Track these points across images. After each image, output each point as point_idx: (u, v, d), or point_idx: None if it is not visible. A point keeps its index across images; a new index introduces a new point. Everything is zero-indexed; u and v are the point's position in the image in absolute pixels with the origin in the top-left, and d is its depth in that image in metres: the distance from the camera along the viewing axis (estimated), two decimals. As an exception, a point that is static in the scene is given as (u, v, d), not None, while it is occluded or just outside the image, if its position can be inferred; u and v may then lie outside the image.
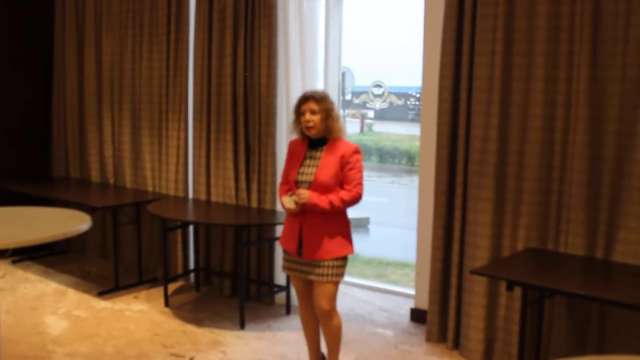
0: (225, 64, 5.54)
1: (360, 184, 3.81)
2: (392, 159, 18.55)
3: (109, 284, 5.87)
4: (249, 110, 5.48)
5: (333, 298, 3.86)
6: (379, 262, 8.58)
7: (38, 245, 5.89)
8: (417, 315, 5.11)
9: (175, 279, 5.89)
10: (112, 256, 6.24)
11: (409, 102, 22.01)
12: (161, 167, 6.14)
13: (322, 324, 3.96)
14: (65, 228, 3.20)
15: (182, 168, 5.93)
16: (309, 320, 4.08)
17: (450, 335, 4.64)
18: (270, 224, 5.28)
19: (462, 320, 4.57)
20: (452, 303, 4.62)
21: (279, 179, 5.29)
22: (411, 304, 5.29)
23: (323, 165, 3.83)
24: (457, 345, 4.63)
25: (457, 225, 4.57)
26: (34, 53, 7.04)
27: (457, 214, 4.56)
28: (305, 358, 4.39)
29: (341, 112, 5.89)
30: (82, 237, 6.86)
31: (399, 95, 21.94)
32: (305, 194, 3.76)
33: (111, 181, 6.66)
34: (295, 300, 5.31)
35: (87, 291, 5.80)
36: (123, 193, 6.27)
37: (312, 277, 3.84)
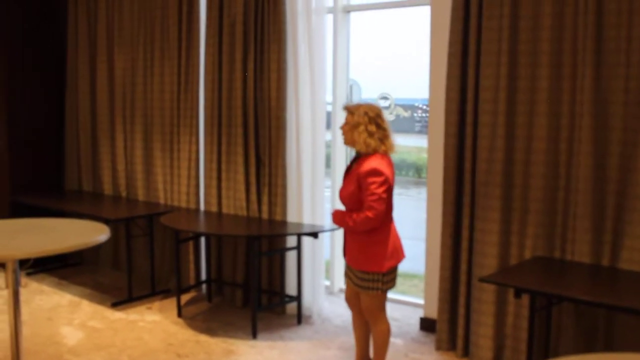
0: (236, 78, 5.64)
1: (371, 207, 3.76)
2: (399, 171, 18.59)
3: (123, 295, 5.96)
4: (259, 123, 5.57)
5: (371, 307, 4.03)
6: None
7: (52, 258, 6.03)
8: (427, 324, 5.17)
9: (187, 289, 5.97)
10: (125, 268, 6.34)
11: (415, 114, 22.07)
12: (173, 180, 6.24)
13: (370, 328, 4.14)
14: (85, 238, 3.29)
15: (193, 180, 6.03)
16: (354, 323, 4.32)
17: (460, 343, 4.70)
18: (281, 235, 5.37)
19: (471, 328, 4.63)
20: (461, 311, 4.68)
21: (289, 190, 5.43)
22: (420, 313, 5.35)
23: (346, 182, 3.96)
24: (466, 353, 4.69)
25: (465, 234, 4.64)
26: (47, 67, 7.17)
27: (465, 222, 4.63)
28: (317, 366, 4.47)
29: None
30: (94, 250, 6.96)
31: (405, 107, 21.99)
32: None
33: (123, 194, 6.76)
34: (305, 310, 5.42)
35: (101, 302, 5.89)
36: (135, 205, 6.37)
37: (351, 284, 4.08)
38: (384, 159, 3.88)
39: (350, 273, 4.07)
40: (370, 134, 3.85)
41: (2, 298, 5.99)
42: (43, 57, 7.13)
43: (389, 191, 3.88)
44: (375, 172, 3.78)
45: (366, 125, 3.85)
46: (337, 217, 3.97)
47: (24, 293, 6.06)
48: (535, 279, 4.01)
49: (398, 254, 4.03)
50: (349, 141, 3.97)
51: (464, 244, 4.65)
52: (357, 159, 3.96)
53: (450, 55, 4.62)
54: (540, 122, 4.26)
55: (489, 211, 4.46)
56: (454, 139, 4.65)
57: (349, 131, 3.91)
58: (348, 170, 4.05)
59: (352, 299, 4.22)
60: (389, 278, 3.98)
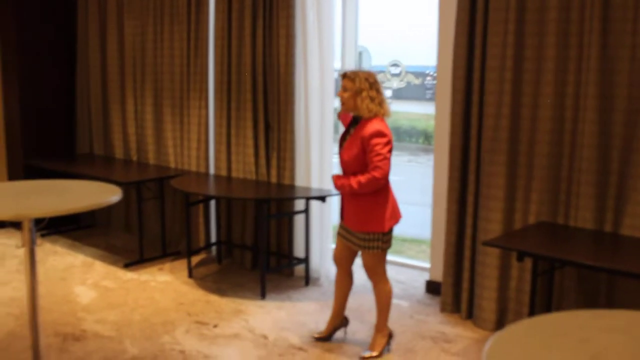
0: (245, 44, 5.69)
1: (377, 167, 3.86)
2: (409, 137, 18.62)
3: (134, 257, 6.09)
4: (268, 89, 5.63)
5: (373, 266, 4.16)
6: (395, 239, 8.72)
7: (65, 220, 6.15)
8: (432, 287, 5.28)
9: (197, 251, 6.10)
10: (136, 230, 6.47)
11: (426, 82, 22.00)
12: (183, 144, 6.32)
13: (373, 289, 4.27)
14: (98, 199, 3.38)
15: (203, 145, 6.11)
16: (338, 282, 4.43)
17: (464, 305, 4.81)
18: (289, 199, 5.46)
19: (475, 292, 4.73)
20: (466, 275, 4.77)
21: (297, 155, 5.50)
22: (425, 276, 5.46)
23: (347, 146, 4.04)
24: (470, 315, 4.79)
25: (470, 199, 4.71)
26: (58, 34, 7.22)
27: (471, 188, 4.70)
28: (324, 327, 4.59)
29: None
30: (106, 212, 7.10)
31: (416, 74, 21.90)
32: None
33: (134, 158, 6.86)
34: (313, 272, 5.53)
35: (113, 263, 6.02)
36: (146, 169, 6.47)
37: (349, 245, 4.17)
38: (383, 122, 3.99)
39: (348, 235, 4.17)
40: (372, 99, 3.96)
41: (17, 258, 6.14)
42: (53, 23, 7.17)
43: (391, 152, 3.99)
44: (380, 134, 3.89)
45: (368, 91, 3.96)
46: (339, 182, 4.03)
47: (38, 253, 6.20)
48: (538, 244, 4.09)
49: (396, 214, 4.16)
50: (350, 108, 4.04)
51: (469, 210, 4.72)
52: (356, 124, 4.05)
53: (458, 21, 4.64)
54: (546, 90, 4.30)
55: (494, 177, 4.53)
56: (461, 105, 4.70)
57: (351, 98, 4.00)
58: (345, 136, 4.14)
59: (342, 259, 4.35)
60: (388, 237, 4.12)
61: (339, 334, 4.51)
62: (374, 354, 4.23)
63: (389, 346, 4.32)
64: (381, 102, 4.00)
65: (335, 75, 5.59)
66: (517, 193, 4.50)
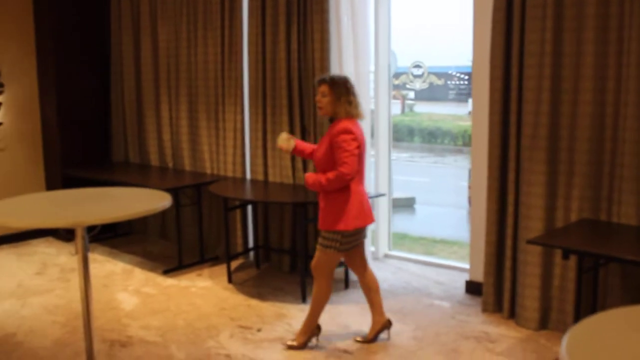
0: (279, 49, 5.73)
1: (345, 162, 4.00)
2: (435, 139, 18.60)
3: (173, 263, 6.14)
4: (304, 92, 5.67)
5: (320, 263, 4.25)
6: (426, 240, 8.74)
7: (103, 228, 6.24)
8: (472, 288, 5.27)
9: (235, 257, 6.14)
10: (172, 237, 6.53)
11: (449, 82, 21.97)
12: (219, 150, 6.38)
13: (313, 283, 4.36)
14: (149, 205, 3.43)
15: (239, 150, 6.16)
16: (363, 285, 4.51)
17: (506, 305, 4.79)
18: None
19: (517, 291, 4.72)
20: (507, 274, 4.76)
21: (334, 158, 5.50)
22: (465, 277, 5.45)
23: (320, 144, 4.24)
24: (512, 314, 4.78)
25: (510, 198, 4.70)
26: (92, 43, 7.32)
27: (511, 187, 4.70)
28: (368, 329, 4.60)
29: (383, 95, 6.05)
30: (142, 219, 7.16)
31: (438, 75, 21.91)
32: (290, 146, 4.30)
33: (170, 165, 6.93)
34: (352, 275, 5.55)
35: (152, 270, 6.08)
36: (182, 176, 6.53)
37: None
38: (354, 122, 4.14)
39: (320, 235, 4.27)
40: (350, 103, 4.13)
41: (57, 267, 6.23)
42: (88, 32, 7.27)
43: (360, 149, 4.10)
44: (346, 131, 4.04)
45: (347, 97, 4.13)
46: (311, 179, 4.16)
47: (77, 262, 6.28)
48: (581, 241, 4.07)
49: (366, 216, 4.21)
50: (329, 112, 4.17)
51: (510, 208, 4.71)
52: (330, 125, 4.21)
53: (495, 21, 4.64)
54: (586, 85, 4.28)
55: (535, 175, 4.52)
56: (499, 104, 4.70)
57: (331, 103, 4.14)
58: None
59: (354, 264, 4.47)
60: (348, 240, 4.18)
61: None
62: (294, 343, 4.37)
63: (312, 342, 4.40)
64: (357, 105, 4.17)
65: (372, 77, 5.62)
66: (558, 190, 4.49)
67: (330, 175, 4.05)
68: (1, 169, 7.01)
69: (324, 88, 4.16)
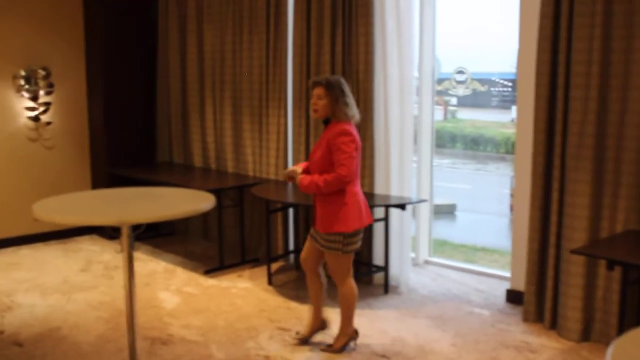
0: (324, 53, 5.76)
1: (343, 165, 4.02)
2: (477, 146, 18.45)
3: (214, 264, 6.21)
4: (347, 97, 5.68)
5: (334, 268, 4.27)
6: (467, 248, 8.68)
7: (147, 227, 6.33)
8: (513, 296, 5.22)
9: (276, 259, 6.18)
10: (214, 237, 6.60)
11: (492, 89, 21.78)
12: (262, 152, 6.43)
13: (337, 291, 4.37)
14: (193, 206, 3.49)
15: (282, 153, 6.20)
16: (308, 284, 4.55)
17: (548, 315, 4.74)
18: (369, 207, 5.47)
19: (559, 300, 4.66)
20: (550, 283, 4.71)
21: (376, 163, 5.53)
22: (505, 286, 5.40)
23: (317, 146, 4.23)
24: (554, 325, 4.72)
25: (554, 207, 4.65)
26: (139, 44, 7.45)
27: (555, 196, 4.64)
28: (407, 335, 4.61)
29: (425, 100, 6.02)
30: (185, 220, 7.25)
31: (482, 81, 21.72)
32: (296, 172, 4.25)
33: (213, 166, 7.00)
34: (392, 280, 5.55)
35: (193, 270, 6.16)
36: (225, 177, 6.60)
37: (316, 245, 4.29)
38: (350, 124, 4.15)
39: (316, 235, 4.28)
40: (346, 105, 4.14)
41: (101, 264, 6.34)
42: (136, 35, 7.41)
43: (357, 151, 4.12)
44: (345, 132, 4.05)
45: (344, 98, 4.14)
46: (306, 181, 4.13)
47: (121, 259, 6.39)
48: (627, 252, 4.00)
49: (363, 217, 4.23)
50: (324, 115, 4.16)
51: (553, 218, 4.66)
52: (325, 127, 4.21)
53: (542, 27, 4.60)
54: (635, 95, 4.22)
55: (580, 184, 4.46)
56: (544, 112, 4.65)
57: (328, 105, 4.12)
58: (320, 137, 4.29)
59: (308, 261, 4.44)
60: (350, 240, 4.18)
61: (318, 337, 4.58)
62: (333, 349, 4.37)
63: (350, 346, 4.41)
64: (353, 107, 4.20)
65: (416, 82, 5.61)
66: (603, 200, 4.42)
67: (328, 177, 4.05)
68: (49, 167, 7.18)
69: (319, 90, 4.15)
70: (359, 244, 4.28)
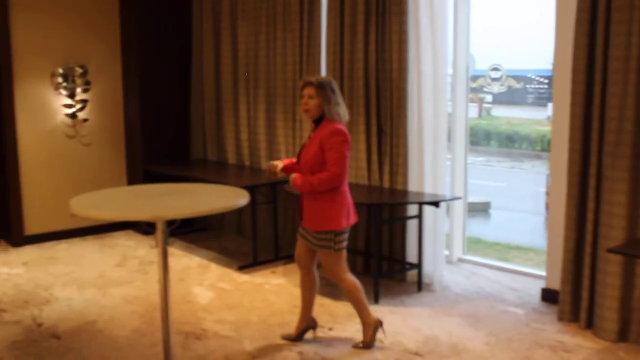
0: (357, 50, 5.75)
1: (335, 164, 4.07)
2: (512, 143, 18.26)
3: (247, 260, 6.25)
4: (381, 94, 5.67)
5: (328, 265, 4.30)
6: (501, 246, 8.60)
7: (181, 222, 6.39)
8: (548, 295, 5.16)
9: (309, 255, 6.18)
10: (248, 234, 6.63)
11: (528, 86, 21.53)
12: (295, 150, 6.44)
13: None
14: (228, 202, 3.52)
15: (315, 150, 6.20)
16: (301, 283, 4.55)
17: (583, 314, 4.68)
18: (402, 203, 5.47)
19: (595, 300, 4.59)
20: (586, 282, 4.65)
21: (410, 160, 5.51)
22: (540, 285, 5.35)
23: (308, 145, 4.25)
24: (590, 325, 4.66)
25: (591, 205, 4.59)
26: (173, 42, 7.54)
27: (591, 194, 4.58)
28: (440, 333, 4.59)
29: (460, 97, 5.98)
30: (219, 216, 7.31)
31: (517, 78, 21.47)
32: (276, 167, 4.32)
33: (247, 163, 7.05)
34: (426, 278, 5.53)
35: (227, 265, 6.20)
36: (259, 174, 6.62)
37: (308, 244, 4.31)
38: (342, 124, 4.21)
39: (306, 234, 4.31)
40: (338, 104, 4.19)
41: (136, 259, 6.42)
42: (170, 33, 7.49)
43: (349, 151, 4.18)
44: (339, 132, 4.11)
45: (335, 98, 4.18)
46: (300, 180, 4.17)
47: (156, 255, 6.45)
48: (666, 252, 3.94)
49: (351, 216, 4.29)
50: (316, 115, 4.19)
51: (590, 216, 4.60)
52: (316, 127, 4.24)
53: (578, 22, 4.54)
54: (674, 91, 4.15)
55: (617, 182, 4.39)
56: (581, 109, 4.59)
57: (319, 105, 4.15)
58: (310, 137, 4.31)
59: (301, 258, 4.45)
60: (340, 238, 4.23)
61: (309, 335, 4.60)
62: (364, 344, 4.40)
63: (378, 336, 4.46)
64: (343, 106, 4.24)
65: (449, 80, 5.58)
66: (641, 199, 4.36)
67: (322, 175, 4.09)
68: (86, 163, 7.29)
69: (310, 90, 4.18)
70: (347, 241, 4.33)
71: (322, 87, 4.16)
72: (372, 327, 4.40)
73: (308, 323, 4.57)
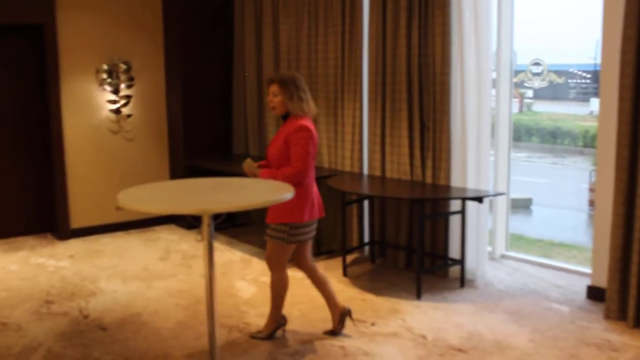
0: (400, 45, 5.73)
1: (299, 160, 4.14)
2: (554, 139, 18.01)
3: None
4: (424, 88, 5.64)
5: (271, 255, 4.36)
6: (543, 243, 8.50)
7: (225, 217, 6.44)
8: (594, 293, 5.08)
9: (351, 251, 6.18)
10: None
11: (570, 81, 21.21)
12: (337, 145, 6.45)
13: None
14: (272, 196, 3.54)
15: (357, 145, 6.20)
16: (312, 282, 4.60)
17: (631, 313, 4.59)
18: (445, 199, 5.44)
19: (643, 298, 4.52)
20: (633, 280, 4.56)
21: (453, 155, 5.47)
22: (585, 281, 5.27)
23: (274, 140, 4.32)
24: (638, 323, 4.58)
25: (639, 202, 4.51)
26: (216, 37, 7.58)
27: (639, 190, 4.50)
28: (483, 329, 4.56)
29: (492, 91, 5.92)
30: (260, 210, 7.31)
31: (559, 73, 21.17)
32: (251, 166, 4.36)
33: (289, 158, 7.05)
34: (468, 274, 5.49)
35: (269, 260, 6.23)
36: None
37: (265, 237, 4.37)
38: (308, 119, 4.27)
39: (267, 229, 4.34)
40: (301, 100, 4.24)
41: (179, 253, 6.49)
42: (213, 28, 7.54)
43: (314, 147, 4.25)
44: (303, 129, 4.18)
45: (298, 94, 4.23)
46: (266, 175, 4.22)
47: (199, 249, 6.52)
48: None
49: (315, 210, 4.31)
50: (282, 111, 4.26)
51: (638, 212, 4.51)
52: (284, 122, 4.30)
53: (627, 14, 4.45)
54: None
55: (667, 178, 4.31)
56: (629, 103, 4.51)
57: (284, 102, 4.22)
58: (277, 132, 4.39)
59: (298, 261, 4.51)
60: (296, 232, 4.25)
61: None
62: (261, 334, 4.49)
63: (276, 332, 4.51)
64: (308, 102, 4.28)
65: (493, 75, 5.52)
66: (692, 195, 4.27)
67: (286, 171, 4.15)
68: (130, 158, 7.39)
69: (274, 87, 4.24)
70: (309, 235, 4.35)
71: (284, 84, 4.22)
72: (273, 326, 4.50)
73: (341, 312, 4.57)
